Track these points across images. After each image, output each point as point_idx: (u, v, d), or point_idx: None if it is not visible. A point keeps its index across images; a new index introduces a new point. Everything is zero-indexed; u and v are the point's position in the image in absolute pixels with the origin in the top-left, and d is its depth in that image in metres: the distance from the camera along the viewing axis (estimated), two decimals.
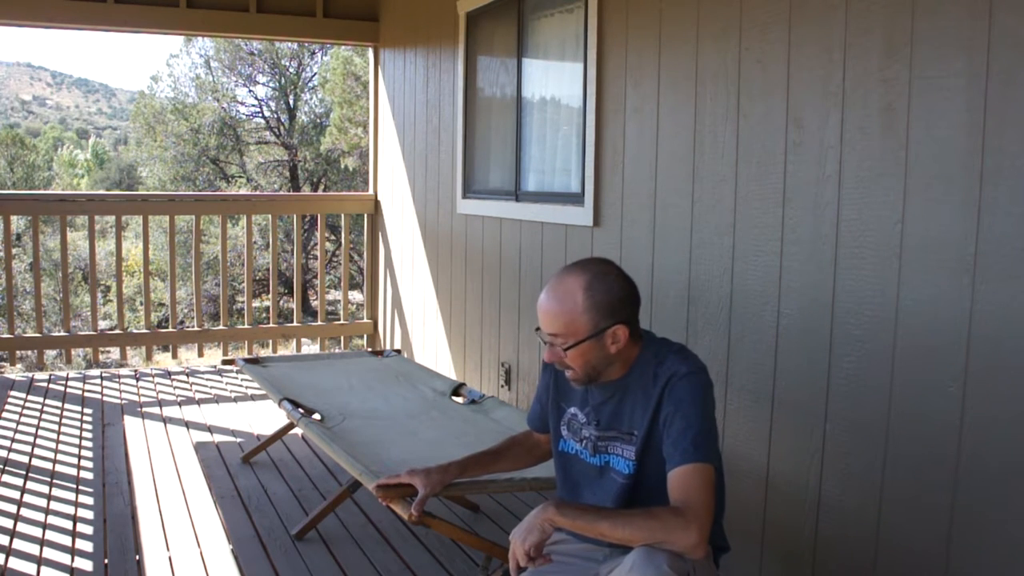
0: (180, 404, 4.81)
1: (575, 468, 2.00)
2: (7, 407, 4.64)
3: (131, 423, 4.43)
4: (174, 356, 7.30)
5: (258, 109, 18.53)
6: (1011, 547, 1.95)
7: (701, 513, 1.68)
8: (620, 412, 1.90)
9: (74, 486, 3.53)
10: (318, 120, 18.41)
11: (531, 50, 4.12)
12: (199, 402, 4.87)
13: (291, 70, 18.17)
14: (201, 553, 2.94)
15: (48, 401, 4.80)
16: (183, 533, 3.09)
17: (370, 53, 6.20)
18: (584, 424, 1.96)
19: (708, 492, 1.71)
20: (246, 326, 6.17)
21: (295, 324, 6.15)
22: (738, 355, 2.74)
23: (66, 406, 4.71)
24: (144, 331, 5.87)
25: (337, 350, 7.06)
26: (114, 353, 12.16)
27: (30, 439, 4.12)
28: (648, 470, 1.84)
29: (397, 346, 5.78)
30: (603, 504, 1.89)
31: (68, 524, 3.15)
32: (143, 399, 4.90)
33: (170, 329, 6.00)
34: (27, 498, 3.38)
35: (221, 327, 5.99)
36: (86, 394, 4.98)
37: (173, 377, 5.47)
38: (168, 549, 2.96)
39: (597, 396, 1.94)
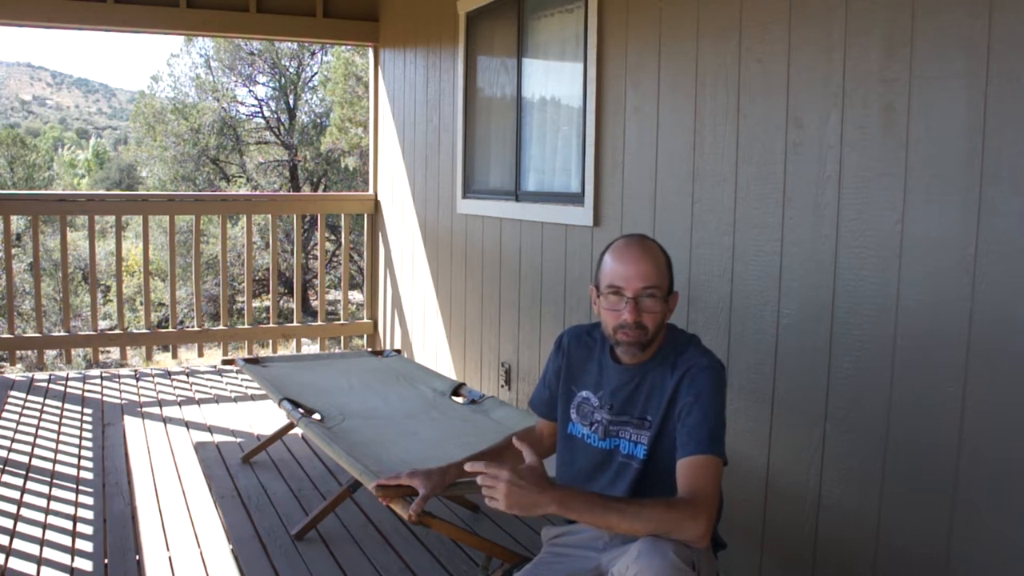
0: (180, 404, 4.81)
1: (581, 452, 2.00)
2: (7, 407, 4.64)
3: (131, 423, 4.43)
4: (174, 356, 7.30)
5: (258, 109, 18.53)
6: (1011, 547, 1.95)
7: (710, 504, 1.71)
8: (635, 398, 1.91)
9: (74, 486, 3.53)
10: (318, 120, 18.42)
11: (531, 50, 4.11)
12: (199, 402, 4.87)
13: (291, 70, 18.16)
14: (201, 553, 2.94)
15: (48, 401, 4.80)
16: (183, 533, 3.09)
17: (370, 53, 6.20)
18: (597, 408, 1.97)
19: (717, 485, 1.76)
20: (246, 326, 6.17)
21: (295, 324, 6.15)
22: (738, 355, 2.74)
23: (66, 406, 4.71)
24: (144, 331, 5.87)
25: (337, 350, 7.06)
26: (114, 353, 12.16)
27: (30, 439, 4.12)
28: (659, 456, 1.87)
29: (397, 346, 5.78)
30: (615, 490, 1.90)
31: (68, 524, 3.15)
32: (143, 399, 4.90)
33: (170, 329, 6.00)
34: (27, 498, 3.38)
35: (221, 327, 5.99)
36: (86, 394, 4.98)
37: (173, 377, 5.47)
38: (168, 549, 2.96)
39: (613, 380, 1.95)
